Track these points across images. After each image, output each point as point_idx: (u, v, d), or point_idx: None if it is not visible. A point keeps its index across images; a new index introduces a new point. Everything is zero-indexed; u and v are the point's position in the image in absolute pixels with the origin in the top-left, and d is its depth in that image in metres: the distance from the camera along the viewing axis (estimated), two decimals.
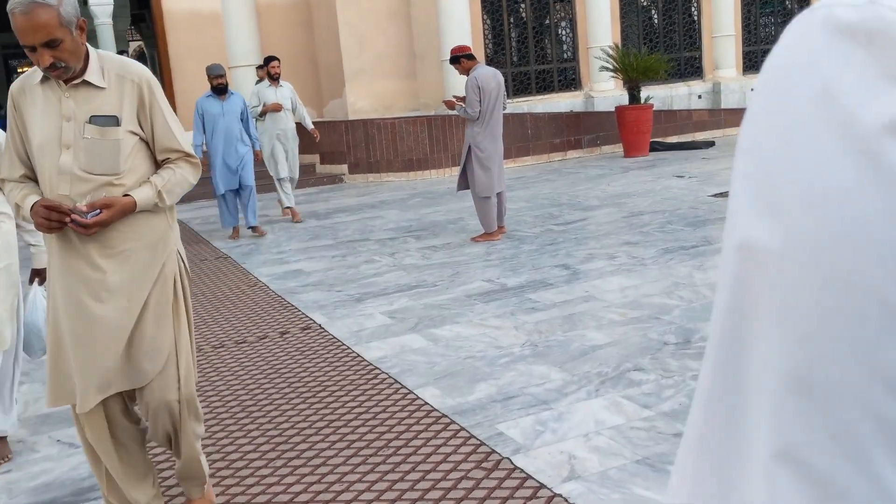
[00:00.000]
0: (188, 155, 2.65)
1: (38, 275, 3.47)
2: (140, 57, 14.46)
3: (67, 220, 2.40)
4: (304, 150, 11.30)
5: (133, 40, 27.30)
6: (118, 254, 2.55)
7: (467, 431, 3.35)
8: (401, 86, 14.19)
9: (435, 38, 13.51)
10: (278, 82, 9.08)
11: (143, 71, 2.57)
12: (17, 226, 3.47)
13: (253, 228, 8.48)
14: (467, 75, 7.19)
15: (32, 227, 3.01)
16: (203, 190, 11.09)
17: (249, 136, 8.32)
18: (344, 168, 12.61)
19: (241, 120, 8.25)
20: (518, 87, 14.82)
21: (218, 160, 8.20)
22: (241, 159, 8.22)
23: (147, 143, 2.60)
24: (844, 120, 0.37)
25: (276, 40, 14.53)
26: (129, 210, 2.50)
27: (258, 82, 9.42)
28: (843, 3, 0.39)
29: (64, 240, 2.51)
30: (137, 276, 2.58)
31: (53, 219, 2.40)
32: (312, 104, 13.99)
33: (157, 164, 2.66)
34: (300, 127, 9.51)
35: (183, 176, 2.63)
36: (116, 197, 2.49)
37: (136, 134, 2.54)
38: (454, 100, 7.26)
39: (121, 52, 14.74)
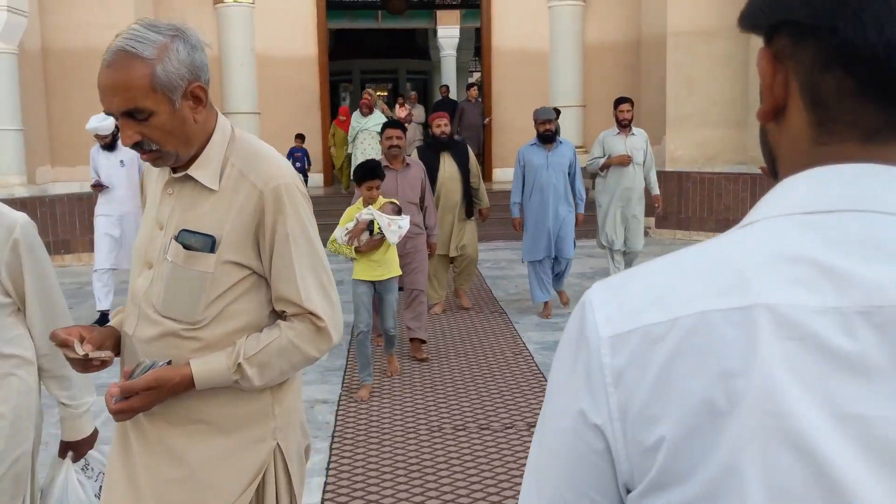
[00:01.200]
0: (313, 315, 1.71)
1: (70, 448, 2.22)
2: (480, 88, 15.05)
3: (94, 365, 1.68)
4: None
5: (475, 70, 28.78)
6: (180, 430, 1.72)
7: None
8: (728, 136, 12.98)
9: None
10: (630, 129, 7.31)
11: (278, 174, 1.69)
12: (45, 371, 2.13)
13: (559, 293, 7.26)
14: None
15: (67, 372, 2.05)
16: (500, 231, 10.91)
17: (574, 193, 6.90)
18: (650, 221, 11.77)
19: (568, 174, 6.87)
20: None
21: (531, 220, 6.86)
22: (560, 223, 6.79)
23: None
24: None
25: (600, 81, 14.09)
26: (181, 391, 1.66)
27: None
28: (604, 312, 0.68)
29: None
30: (202, 474, 1.73)
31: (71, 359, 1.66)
32: None
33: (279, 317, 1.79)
34: None
35: (293, 344, 1.70)
36: (168, 371, 1.64)
37: (244, 267, 1.69)
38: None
39: (470, 87, 15.17)
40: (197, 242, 1.66)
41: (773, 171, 0.72)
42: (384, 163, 5.74)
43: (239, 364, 1.66)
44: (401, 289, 5.66)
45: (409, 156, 6.32)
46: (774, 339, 0.58)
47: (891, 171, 0.63)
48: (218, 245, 1.66)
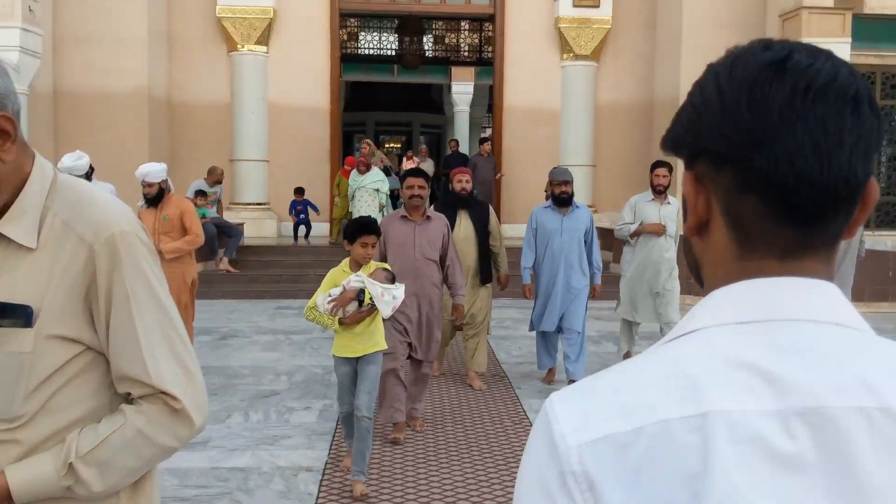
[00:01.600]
0: (166, 394, 1.35)
1: None
2: (492, 144, 14.52)
3: None
4: (617, 257, 10.44)
5: (488, 126, 28.91)
6: None
7: None
8: None
9: None
10: (665, 196, 6.69)
11: (112, 221, 1.35)
12: None
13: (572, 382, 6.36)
14: None
15: None
16: (508, 289, 10.67)
17: (590, 263, 6.37)
18: None
19: (585, 241, 6.34)
20: (883, 219, 12.65)
21: (542, 287, 6.38)
22: (574, 294, 6.29)
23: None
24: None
25: (611, 142, 14.06)
26: None
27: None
28: (566, 421, 0.70)
29: None
30: None
31: None
32: None
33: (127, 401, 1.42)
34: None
35: (141, 434, 1.34)
36: None
37: (75, 342, 1.33)
38: None
39: (483, 141, 14.91)
40: (10, 316, 1.28)
41: (699, 279, 0.80)
42: (402, 213, 5.39)
43: (70, 465, 1.29)
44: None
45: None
46: (728, 442, 0.64)
47: (808, 283, 0.71)
48: (36, 317, 1.29)
